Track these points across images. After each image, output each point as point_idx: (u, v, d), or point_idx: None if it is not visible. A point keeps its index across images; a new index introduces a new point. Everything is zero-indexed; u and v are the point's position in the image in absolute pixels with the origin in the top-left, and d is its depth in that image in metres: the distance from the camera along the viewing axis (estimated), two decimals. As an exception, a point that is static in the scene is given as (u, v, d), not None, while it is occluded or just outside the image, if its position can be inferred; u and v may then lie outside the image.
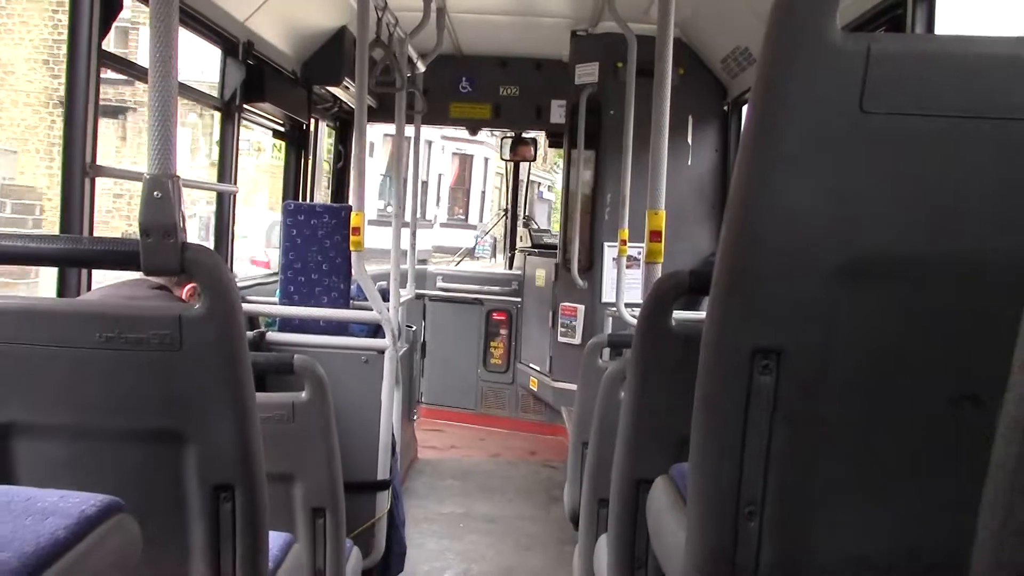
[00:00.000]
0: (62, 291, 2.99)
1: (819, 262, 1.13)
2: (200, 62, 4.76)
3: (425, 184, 23.79)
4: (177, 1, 1.65)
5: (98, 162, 3.06)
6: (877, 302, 1.15)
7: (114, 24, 3.09)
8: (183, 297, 2.62)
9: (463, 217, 28.34)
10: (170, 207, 1.59)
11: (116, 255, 1.66)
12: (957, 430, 1.18)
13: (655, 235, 2.90)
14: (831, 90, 1.09)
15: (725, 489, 1.21)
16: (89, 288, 3.05)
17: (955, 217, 1.12)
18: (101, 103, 3.06)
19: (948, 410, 1.18)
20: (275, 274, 5.04)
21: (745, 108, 5.43)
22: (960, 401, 1.18)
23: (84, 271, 3.04)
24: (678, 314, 2.08)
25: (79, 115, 2.99)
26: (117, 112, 18.86)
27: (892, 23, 3.10)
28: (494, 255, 11.01)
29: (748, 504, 1.21)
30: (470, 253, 10.56)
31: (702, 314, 3.62)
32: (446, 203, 27.45)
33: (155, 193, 1.60)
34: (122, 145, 18.95)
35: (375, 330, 4.17)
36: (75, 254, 1.72)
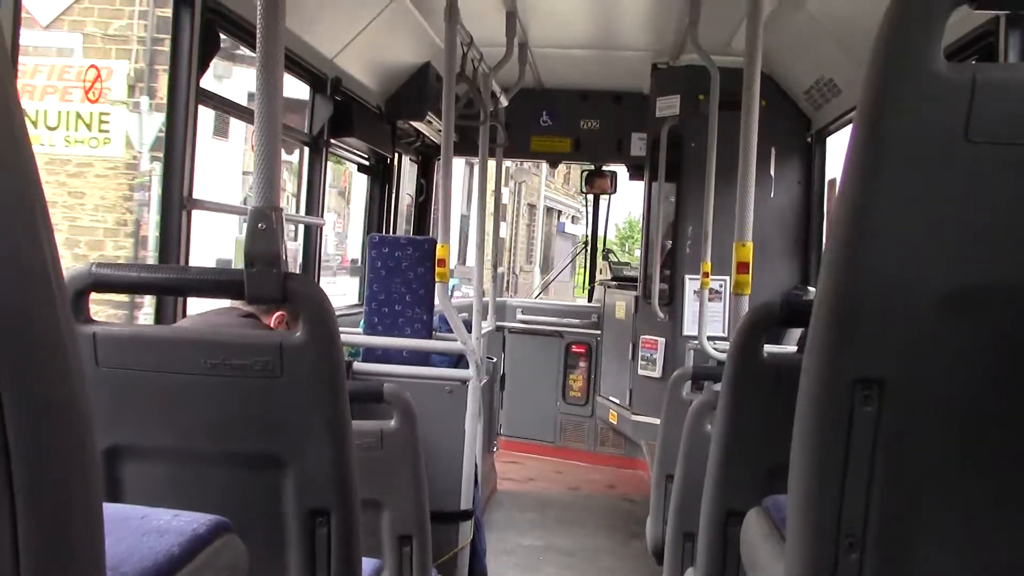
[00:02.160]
0: (159, 318, 3.09)
1: (924, 291, 1.11)
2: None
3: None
4: (283, 44, 1.72)
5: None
6: (983, 332, 1.13)
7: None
8: (271, 325, 2.68)
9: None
10: (274, 238, 1.65)
11: (221, 284, 1.72)
12: None
13: (742, 267, 2.88)
14: (936, 119, 1.08)
15: (825, 520, 1.20)
16: (184, 315, 3.15)
17: None
18: None
19: None
20: (358, 305, 5.13)
21: (830, 140, 5.38)
22: None
23: (180, 299, 3.14)
24: (765, 347, 2.07)
25: (178, 150, 3.10)
26: None
27: (984, 52, 3.05)
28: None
29: (848, 536, 1.19)
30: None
31: (788, 348, 3.58)
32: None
33: (260, 224, 1.66)
34: None
35: (456, 361, 4.21)
36: (183, 283, 1.79)
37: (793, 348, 3.87)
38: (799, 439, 1.22)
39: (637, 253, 8.63)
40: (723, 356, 3.96)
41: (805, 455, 1.21)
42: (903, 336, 1.13)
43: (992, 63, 2.86)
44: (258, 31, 1.71)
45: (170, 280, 1.79)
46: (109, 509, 1.31)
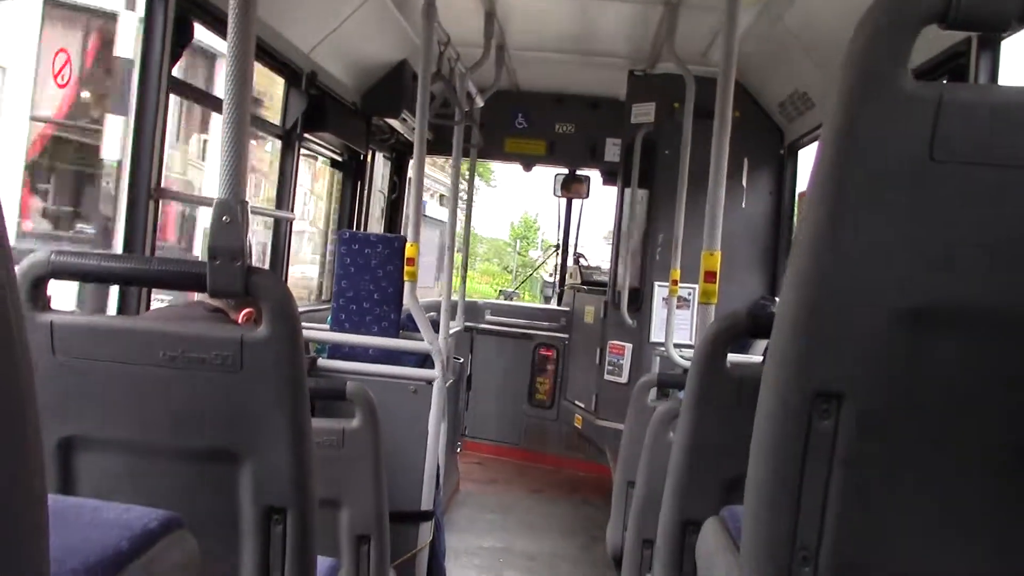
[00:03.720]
0: (122, 309, 3.05)
1: (886, 308, 1.12)
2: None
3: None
4: (254, 35, 1.70)
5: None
6: (943, 350, 1.14)
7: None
8: (239, 322, 2.65)
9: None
10: (238, 231, 1.63)
11: (183, 276, 1.70)
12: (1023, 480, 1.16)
13: (710, 276, 2.88)
14: (901, 137, 1.09)
15: (780, 533, 1.20)
16: (148, 307, 3.11)
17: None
18: None
19: (1015, 460, 1.16)
20: (327, 302, 5.10)
21: (802, 152, 5.42)
22: None
23: (144, 291, 3.10)
24: (729, 356, 2.07)
25: (147, 139, 3.06)
26: None
27: (955, 72, 3.08)
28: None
29: (802, 549, 1.20)
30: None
31: (753, 358, 3.59)
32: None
33: (224, 217, 1.64)
34: None
35: (423, 360, 4.19)
36: (144, 274, 1.76)
37: (759, 358, 3.89)
38: (756, 450, 1.22)
39: (532, 254, 8.70)
40: (689, 364, 3.97)
41: (761, 467, 1.21)
42: (864, 352, 1.14)
43: (961, 83, 2.88)
44: (230, 20, 1.69)
45: (131, 270, 1.77)
46: (61, 502, 1.29)
